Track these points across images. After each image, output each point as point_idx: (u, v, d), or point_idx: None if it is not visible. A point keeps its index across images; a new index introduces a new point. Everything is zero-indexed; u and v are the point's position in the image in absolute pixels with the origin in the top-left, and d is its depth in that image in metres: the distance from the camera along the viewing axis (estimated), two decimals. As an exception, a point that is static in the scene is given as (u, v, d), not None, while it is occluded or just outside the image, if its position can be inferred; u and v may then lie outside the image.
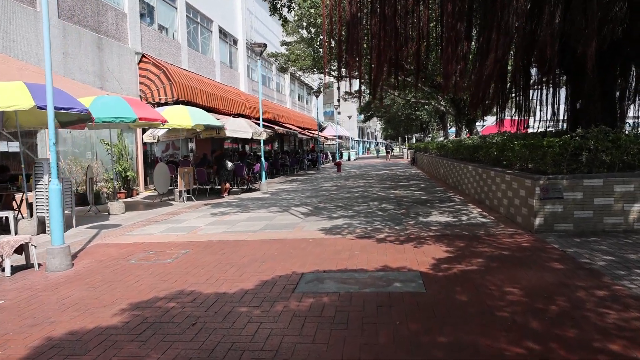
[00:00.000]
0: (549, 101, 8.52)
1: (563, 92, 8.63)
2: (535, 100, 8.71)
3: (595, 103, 7.22)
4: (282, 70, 25.79)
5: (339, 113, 47.16)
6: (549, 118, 8.82)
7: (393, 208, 9.58)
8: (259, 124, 15.62)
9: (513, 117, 9.07)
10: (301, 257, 5.65)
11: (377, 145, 74.02)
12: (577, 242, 5.66)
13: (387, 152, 44.91)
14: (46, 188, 7.37)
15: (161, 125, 10.52)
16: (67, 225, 8.41)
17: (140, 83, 14.72)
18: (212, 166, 14.50)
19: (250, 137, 14.07)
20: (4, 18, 9.72)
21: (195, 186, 13.56)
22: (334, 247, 6.07)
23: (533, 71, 8.88)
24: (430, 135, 41.93)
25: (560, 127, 9.02)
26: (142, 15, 15.15)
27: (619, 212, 6.07)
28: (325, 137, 40.01)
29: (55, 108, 6.78)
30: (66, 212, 8.41)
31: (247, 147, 24.52)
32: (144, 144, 14.98)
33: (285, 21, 12.59)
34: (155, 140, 13.88)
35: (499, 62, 7.07)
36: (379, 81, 8.32)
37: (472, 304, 3.80)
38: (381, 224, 7.72)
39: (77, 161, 11.89)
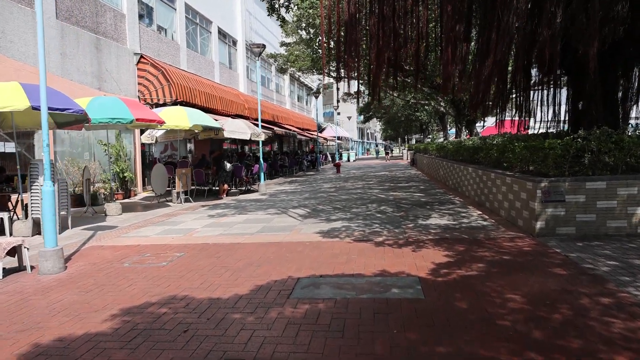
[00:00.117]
0: (550, 102, 8.41)
1: (564, 92, 8.53)
2: (535, 101, 8.60)
3: (597, 104, 7.11)
4: (282, 71, 25.71)
5: (338, 114, 47.06)
6: (549, 119, 8.71)
7: (392, 210, 9.47)
8: (257, 125, 15.52)
9: (513, 118, 8.97)
10: (298, 260, 5.54)
11: (377, 146, 73.92)
12: (579, 247, 5.55)
13: (387, 153, 44.93)
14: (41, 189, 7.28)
15: (159, 126, 10.43)
16: (63, 227, 8.33)
17: (139, 84, 14.63)
18: (211, 167, 14.41)
19: (248, 138, 13.97)
20: (1, 18, 9.64)
21: (193, 187, 13.46)
22: (332, 251, 5.96)
23: (533, 72, 8.79)
24: (430, 136, 41.83)
25: (561, 128, 8.92)
26: (141, 16, 15.07)
27: (623, 215, 5.96)
28: (325, 138, 39.92)
29: (51, 109, 6.71)
30: (62, 213, 8.32)
31: (246, 148, 24.42)
32: (142, 144, 14.88)
33: (283, 21, 12.49)
34: (153, 141, 13.78)
35: (499, 63, 6.97)
36: (378, 82, 8.22)
37: (472, 311, 3.69)
38: (380, 226, 7.61)
39: (74, 162, 11.80)
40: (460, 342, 3.12)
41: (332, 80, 26.96)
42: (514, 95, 9.05)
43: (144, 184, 14.92)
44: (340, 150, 47.17)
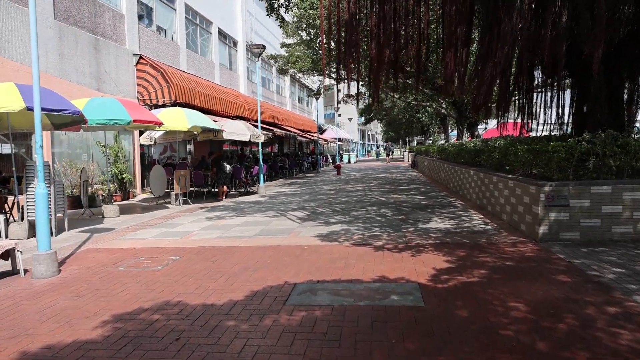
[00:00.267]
0: (554, 104, 8.28)
1: (567, 94, 8.41)
2: (539, 104, 8.48)
3: (602, 106, 6.99)
4: (282, 72, 25.62)
5: (339, 115, 46.95)
6: (553, 121, 8.59)
7: (392, 213, 9.35)
8: (257, 126, 15.42)
9: (516, 121, 8.84)
10: (295, 265, 5.43)
11: (378, 148, 73.82)
12: (584, 253, 5.42)
13: (387, 155, 44.84)
14: (36, 191, 7.18)
15: (157, 127, 10.34)
16: (60, 229, 8.23)
17: (138, 85, 14.54)
18: (211, 169, 14.31)
19: (248, 140, 13.87)
20: (-2, 18, 9.57)
21: (192, 189, 13.36)
22: (330, 255, 5.84)
23: (536, 74, 8.67)
24: (431, 138, 41.70)
25: (564, 130, 8.78)
26: (140, 17, 15.00)
27: (628, 220, 5.83)
28: (326, 140, 39.82)
29: (46, 110, 6.62)
30: (59, 215, 8.23)
31: (247, 150, 24.34)
32: (141, 146, 14.80)
33: (282, 21, 12.39)
34: (152, 143, 13.70)
35: (502, 64, 6.86)
36: (379, 83, 8.12)
37: (473, 320, 3.57)
38: (379, 230, 7.49)
39: (72, 163, 11.71)
40: (461, 354, 3.01)
41: (332, 81, 26.87)
42: (516, 98, 8.93)
43: (143, 186, 14.83)
44: (341, 152, 47.07)
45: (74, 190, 11.34)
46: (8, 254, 5.51)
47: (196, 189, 13.83)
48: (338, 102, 39.17)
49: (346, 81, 9.49)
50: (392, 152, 51.45)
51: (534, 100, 8.61)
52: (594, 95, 7.03)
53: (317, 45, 18.34)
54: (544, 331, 3.31)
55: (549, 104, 8.37)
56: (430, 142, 35.88)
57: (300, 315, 3.79)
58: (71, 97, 9.49)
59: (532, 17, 6.85)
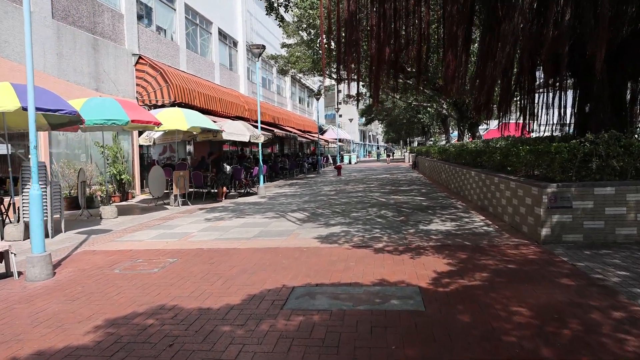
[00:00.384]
0: (555, 104, 8.19)
1: (569, 95, 8.31)
2: (540, 104, 8.38)
3: (604, 106, 6.89)
4: (283, 72, 25.54)
5: (340, 116, 46.88)
6: (555, 122, 8.49)
7: (392, 215, 9.26)
8: (257, 127, 15.34)
9: (518, 121, 8.74)
10: (294, 268, 5.34)
11: (378, 148, 73.74)
12: (587, 255, 5.32)
13: (388, 156, 44.78)
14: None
15: (156, 127, 10.26)
16: (56, 230, 8.15)
17: (137, 85, 14.47)
18: (211, 169, 14.23)
19: (247, 140, 13.78)
20: (-5, 17, 9.49)
21: (192, 190, 13.28)
22: (329, 258, 5.75)
23: (538, 74, 8.57)
24: (432, 139, 41.59)
25: (567, 131, 8.68)
26: (139, 17, 14.93)
27: (632, 222, 5.73)
28: (326, 140, 39.73)
29: (42, 109, 6.55)
30: (55, 216, 8.15)
31: (247, 150, 24.25)
32: (141, 146, 14.72)
33: (282, 20, 12.30)
34: (151, 143, 13.63)
35: (503, 64, 6.77)
36: (379, 83, 8.03)
37: (475, 325, 3.48)
38: (380, 232, 7.40)
39: (70, 164, 11.63)
40: (463, 361, 2.91)
41: (333, 82, 26.80)
42: (517, 98, 8.84)
43: (142, 186, 14.75)
44: (342, 152, 46.98)
45: (72, 191, 11.25)
46: (2, 256, 5.43)
47: (196, 189, 13.75)
48: (339, 103, 39.10)
49: (346, 81, 9.41)
50: (393, 153, 51.35)
51: (536, 101, 8.52)
52: (596, 95, 6.94)
53: (318, 45, 18.27)
54: (548, 337, 3.22)
55: (550, 105, 8.28)
56: (431, 142, 35.78)
57: (298, 320, 3.70)
58: (69, 97, 9.43)
59: (533, 16, 6.77)
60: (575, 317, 3.56)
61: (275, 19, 11.84)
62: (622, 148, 5.82)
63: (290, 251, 6.24)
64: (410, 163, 34.47)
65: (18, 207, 7.94)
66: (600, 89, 6.89)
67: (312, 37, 17.98)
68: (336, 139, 40.28)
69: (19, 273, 5.45)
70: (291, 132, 25.92)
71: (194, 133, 13.28)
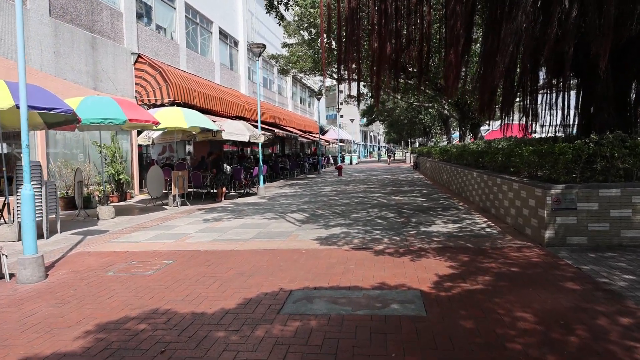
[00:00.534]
0: (559, 105, 8.06)
1: (572, 96, 8.18)
2: (543, 105, 8.25)
3: (609, 107, 6.76)
4: (284, 72, 25.42)
5: (341, 116, 46.79)
6: (558, 123, 8.36)
7: (393, 216, 9.13)
8: (257, 127, 15.22)
9: (521, 122, 8.61)
10: (292, 270, 5.22)
11: (379, 149, 73.64)
12: (592, 258, 5.19)
13: (389, 156, 44.65)
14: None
15: (154, 127, 10.15)
16: (52, 231, 8.03)
17: (136, 84, 14.36)
18: (209, 170, 14.11)
19: (247, 140, 13.66)
20: (-9, 15, 9.39)
21: (191, 190, 13.18)
22: (328, 260, 5.63)
23: (540, 75, 8.44)
24: (434, 139, 41.45)
25: (569, 132, 8.55)
26: (139, 15, 14.82)
27: (638, 224, 5.60)
28: (327, 141, 39.60)
29: (36, 108, 6.44)
30: (51, 216, 8.04)
31: (247, 150, 24.14)
32: (140, 146, 14.61)
33: (281, 19, 12.18)
34: (150, 143, 13.51)
35: (506, 64, 6.64)
36: (380, 83, 7.90)
37: (478, 332, 3.35)
38: (380, 233, 7.27)
39: (68, 163, 11.52)
40: (466, 371, 2.79)
41: (334, 82, 26.66)
42: (519, 99, 8.72)
43: (141, 187, 14.63)
44: (343, 152, 46.87)
45: (69, 191, 11.14)
46: (-6, 258, 5.31)
47: (195, 190, 13.64)
48: (340, 103, 38.99)
49: (347, 81, 9.29)
50: (394, 154, 51.23)
51: (539, 101, 8.39)
52: (600, 95, 6.80)
53: (319, 45, 18.14)
54: (554, 344, 3.09)
55: (553, 105, 8.15)
56: (433, 143, 35.63)
57: (295, 326, 3.58)
58: (67, 96, 9.33)
59: (537, 15, 6.64)
60: (582, 323, 3.44)
61: (275, 18, 11.72)
62: (627, 149, 5.68)
63: (288, 253, 6.12)
64: (412, 164, 34.34)
65: (13, 208, 7.83)
66: (605, 89, 6.76)
67: (313, 36, 17.86)
68: (337, 140, 40.16)
69: (11, 275, 5.34)
70: (292, 132, 25.80)
71: (193, 133, 13.17)
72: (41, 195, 7.54)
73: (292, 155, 30.14)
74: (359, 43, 7.46)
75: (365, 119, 48.98)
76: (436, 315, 3.71)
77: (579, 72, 7.47)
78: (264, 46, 14.12)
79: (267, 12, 11.14)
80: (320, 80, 33.82)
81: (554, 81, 8.03)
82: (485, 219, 8.31)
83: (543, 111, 8.22)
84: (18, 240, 7.41)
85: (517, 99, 8.67)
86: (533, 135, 9.32)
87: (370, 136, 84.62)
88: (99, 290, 4.76)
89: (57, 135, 11.52)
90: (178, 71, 15.76)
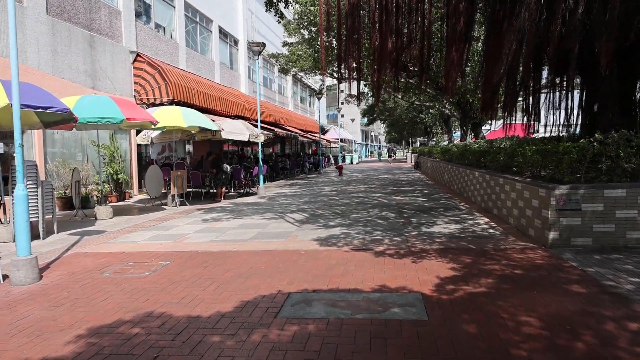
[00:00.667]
0: (562, 104, 7.94)
1: (575, 95, 8.06)
2: (547, 104, 8.13)
3: (613, 105, 6.64)
4: (284, 71, 25.31)
5: (342, 116, 46.67)
6: (561, 122, 8.24)
7: (394, 216, 9.02)
8: (257, 126, 15.12)
9: (523, 122, 8.49)
10: (290, 272, 5.11)
11: (379, 148, 73.54)
12: (597, 260, 5.08)
13: (389, 156, 44.55)
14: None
15: (152, 126, 10.04)
16: (48, 232, 7.94)
17: (135, 83, 14.26)
18: (211, 169, 14.00)
19: (247, 140, 13.56)
20: (-13, 13, 9.29)
21: (190, 189, 13.08)
22: (328, 261, 5.52)
23: (544, 74, 8.32)
24: (435, 139, 41.33)
25: (572, 132, 8.44)
26: (137, 14, 14.72)
27: (644, 226, 5.49)
28: (328, 140, 39.49)
29: (30, 106, 6.34)
30: (47, 217, 7.94)
31: (248, 150, 24.03)
32: (139, 145, 14.51)
33: (281, 16, 12.06)
34: (149, 142, 13.42)
35: (509, 62, 6.53)
36: (381, 81, 7.79)
37: (482, 336, 3.24)
38: (381, 234, 7.17)
39: (66, 163, 11.43)
40: (469, 379, 2.68)
41: (335, 81, 26.55)
42: (521, 98, 8.60)
43: (140, 186, 14.54)
44: (343, 152, 46.75)
45: (67, 191, 11.05)
46: (-12, 259, 5.22)
47: (194, 189, 13.54)
48: (341, 103, 38.87)
49: (347, 80, 9.18)
50: (394, 153, 51.12)
51: (542, 100, 8.27)
52: (605, 94, 6.69)
53: (319, 43, 18.03)
54: (560, 351, 2.98)
55: (557, 105, 8.03)
56: (434, 143, 35.50)
57: (292, 330, 3.48)
58: (64, 95, 9.23)
59: (541, 12, 6.52)
60: (589, 328, 3.33)
61: (275, 15, 11.60)
62: (633, 149, 5.57)
63: (287, 254, 6.01)
64: (413, 163, 34.22)
65: (9, 208, 7.73)
66: (610, 88, 6.65)
67: (313, 35, 17.75)
68: (338, 139, 40.05)
69: (5, 276, 5.24)
70: (292, 131, 25.70)
71: (192, 132, 13.07)
72: (37, 195, 7.44)
73: (293, 155, 30.03)
74: (360, 39, 7.35)
75: (366, 119, 48.87)
76: (438, 319, 3.60)
77: (583, 71, 7.36)
78: (264, 45, 14.02)
79: (266, 10, 11.04)
80: (321, 80, 33.69)
81: (557, 80, 7.92)
82: (488, 220, 8.20)
83: (547, 110, 8.10)
84: (14, 241, 7.31)
85: (520, 98, 8.55)
86: (535, 135, 9.20)
87: (371, 136, 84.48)
88: (93, 292, 4.66)
89: (55, 135, 11.43)
90: (177, 70, 15.66)
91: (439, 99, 19.96)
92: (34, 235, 7.47)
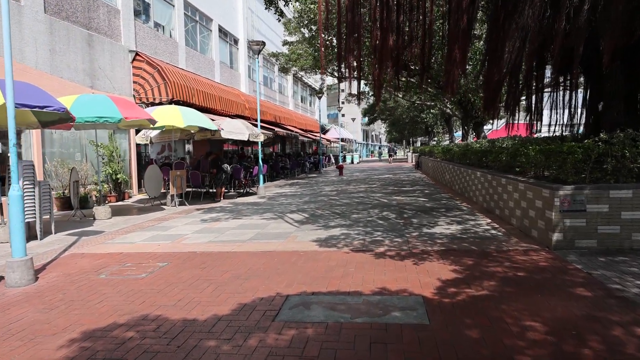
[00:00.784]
0: (566, 103, 7.84)
1: (579, 94, 7.96)
2: (551, 102, 8.02)
3: (618, 104, 6.54)
4: (284, 70, 25.20)
5: (342, 115, 46.56)
6: (564, 122, 8.13)
7: (395, 217, 8.93)
8: (257, 125, 15.03)
9: (526, 121, 8.39)
10: (289, 274, 5.03)
11: (380, 148, 73.44)
12: (602, 262, 4.98)
13: (390, 156, 44.45)
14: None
15: (151, 125, 9.96)
16: (46, 232, 7.86)
17: (134, 82, 14.18)
18: (211, 169, 13.92)
19: (246, 139, 13.47)
20: (-15, 11, 9.19)
21: (190, 189, 13.00)
22: (327, 263, 5.43)
23: (547, 73, 8.23)
24: (436, 139, 41.21)
25: (576, 131, 8.33)
26: (136, 12, 14.63)
27: (650, 227, 5.39)
28: (328, 140, 39.39)
29: (26, 106, 6.27)
30: (45, 217, 7.86)
31: (249, 149, 23.95)
32: (138, 145, 14.43)
33: (281, 14, 11.97)
34: (148, 142, 13.34)
35: (512, 61, 6.43)
36: (382, 80, 7.69)
37: (485, 342, 3.15)
38: (381, 235, 7.07)
39: (64, 163, 11.35)
40: (473, 387, 2.59)
41: (335, 80, 26.43)
42: (524, 97, 8.50)
43: (139, 186, 14.46)
44: (344, 152, 46.65)
45: (65, 191, 10.97)
46: (-18, 260, 5.14)
47: (194, 189, 13.46)
48: (342, 102, 38.77)
49: (348, 79, 9.08)
50: (395, 153, 51.01)
51: (545, 100, 8.17)
52: (610, 92, 6.58)
53: (319, 42, 17.92)
54: (567, 357, 2.89)
55: (560, 104, 7.93)
56: (435, 142, 35.39)
57: (290, 335, 3.39)
58: (63, 95, 9.13)
59: (544, 9, 6.42)
60: (596, 333, 3.23)
61: (275, 14, 11.50)
62: (639, 149, 5.46)
63: (286, 255, 5.93)
64: (413, 163, 34.12)
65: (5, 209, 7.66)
66: (614, 87, 6.54)
67: (314, 33, 17.65)
68: (338, 139, 39.95)
69: (0, 277, 5.16)
70: (293, 131, 25.60)
71: (192, 132, 12.99)
72: (34, 195, 7.36)
73: (293, 155, 29.95)
74: (360, 37, 7.26)
75: (366, 118, 48.73)
76: (439, 323, 3.51)
77: (588, 69, 7.25)
78: (264, 43, 13.93)
79: (266, 8, 10.94)
80: (322, 79, 33.57)
81: (561, 78, 7.82)
82: (490, 220, 8.10)
83: (550, 110, 7.99)
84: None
85: (522, 97, 8.44)
86: (538, 134, 9.09)
87: (372, 135, 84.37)
88: (89, 294, 4.57)
89: (54, 135, 11.35)
90: (177, 69, 15.58)
91: (440, 98, 19.84)
92: (32, 236, 7.40)
